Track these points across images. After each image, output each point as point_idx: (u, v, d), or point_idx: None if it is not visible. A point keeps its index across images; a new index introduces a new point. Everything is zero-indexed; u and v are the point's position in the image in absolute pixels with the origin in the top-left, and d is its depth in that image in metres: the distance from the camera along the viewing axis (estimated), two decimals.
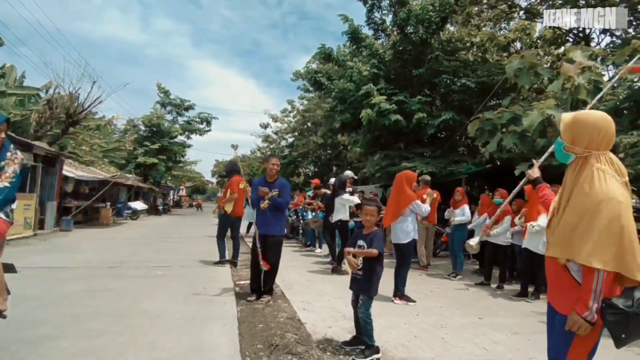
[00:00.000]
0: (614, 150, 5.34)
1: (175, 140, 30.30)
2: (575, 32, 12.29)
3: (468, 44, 13.55)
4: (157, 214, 28.50)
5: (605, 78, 6.28)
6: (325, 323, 4.29)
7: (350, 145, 21.49)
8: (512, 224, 6.42)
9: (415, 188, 5.87)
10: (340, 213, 7.33)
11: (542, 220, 5.33)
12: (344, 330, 4.08)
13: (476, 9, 13.09)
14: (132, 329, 3.85)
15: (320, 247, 10.63)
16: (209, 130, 32.40)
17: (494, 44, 13.60)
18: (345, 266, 7.38)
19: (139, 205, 22.32)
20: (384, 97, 11.61)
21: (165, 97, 30.38)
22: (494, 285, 6.51)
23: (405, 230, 5.25)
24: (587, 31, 11.75)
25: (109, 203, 17.85)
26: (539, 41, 13.43)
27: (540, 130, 6.34)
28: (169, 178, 41.78)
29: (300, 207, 11.98)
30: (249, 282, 6.28)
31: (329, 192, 10.50)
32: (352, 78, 12.70)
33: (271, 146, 39.94)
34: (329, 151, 31.79)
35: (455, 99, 11.57)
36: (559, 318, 1.80)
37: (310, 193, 12.44)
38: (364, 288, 3.46)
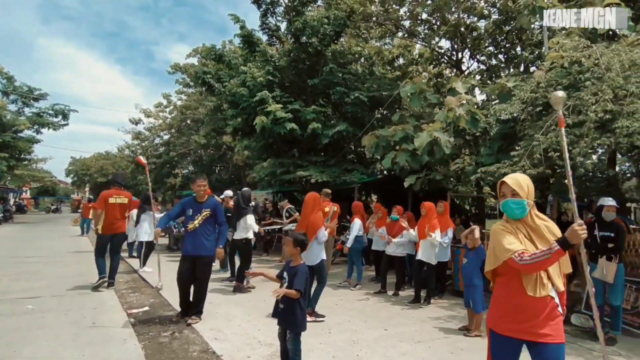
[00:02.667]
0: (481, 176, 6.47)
1: (21, 134, 26.09)
2: (449, 55, 14.32)
3: (357, 55, 14.65)
4: None
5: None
6: (242, 353, 4.34)
7: (239, 148, 21.32)
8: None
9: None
10: (245, 231, 7.34)
11: (438, 234, 6.18)
12: (264, 358, 4.19)
13: (365, 24, 14.27)
14: None
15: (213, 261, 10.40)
16: (66, 124, 28.60)
17: (380, 58, 14.98)
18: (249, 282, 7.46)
19: None
20: (280, 105, 11.87)
21: (8, 84, 25.88)
22: (390, 292, 7.26)
23: (314, 252, 5.52)
24: (459, 55, 13.81)
25: None
26: (419, 59, 15.23)
27: (428, 150, 7.31)
28: (9, 178, 35.81)
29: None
30: (143, 310, 6.00)
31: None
32: (246, 83, 12.68)
33: (143, 144, 37.09)
34: (212, 152, 30.87)
35: (349, 111, 12.43)
36: (553, 349, 2.25)
37: None
38: (291, 324, 3.51)
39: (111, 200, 6.98)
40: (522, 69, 11.62)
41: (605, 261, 4.89)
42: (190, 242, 5.33)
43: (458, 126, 6.95)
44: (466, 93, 7.26)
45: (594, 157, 5.43)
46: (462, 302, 6.73)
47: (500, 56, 13.52)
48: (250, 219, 7.33)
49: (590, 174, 6.76)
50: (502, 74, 12.66)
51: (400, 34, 15.35)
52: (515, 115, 6.09)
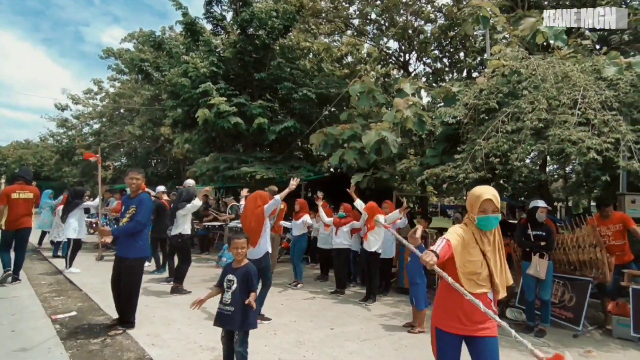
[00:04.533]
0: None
1: None
2: (397, 56, 14.77)
3: (305, 51, 14.68)
4: None
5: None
6: (183, 359, 4.20)
7: (178, 141, 20.56)
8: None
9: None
10: (181, 226, 7.10)
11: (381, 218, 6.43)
12: None
13: (314, 20, 14.34)
14: None
15: (148, 260, 9.95)
16: None
17: (329, 55, 15.12)
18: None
19: None
20: (224, 98, 11.58)
21: None
22: (329, 290, 7.42)
23: (261, 243, 5.44)
24: (407, 57, 14.28)
25: None
26: (367, 57, 15.56)
27: (376, 149, 7.50)
28: None
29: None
30: (69, 315, 5.63)
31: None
32: (188, 73, 12.23)
33: (70, 133, 34.54)
34: (148, 144, 29.46)
35: (297, 107, 12.41)
36: (489, 342, 2.53)
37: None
38: (240, 324, 3.45)
39: (14, 195, 7.08)
40: (464, 74, 12.26)
41: (539, 259, 5.30)
42: (118, 241, 5.09)
43: (405, 127, 7.19)
44: (413, 95, 7.55)
45: (528, 160, 5.81)
46: (406, 299, 7.00)
47: (445, 60, 14.18)
48: (188, 219, 7.12)
49: (524, 176, 7.31)
50: (446, 78, 13.29)
51: (349, 32, 15.59)
52: (459, 118, 6.41)
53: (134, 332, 4.89)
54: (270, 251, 5.65)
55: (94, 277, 7.91)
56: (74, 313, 5.68)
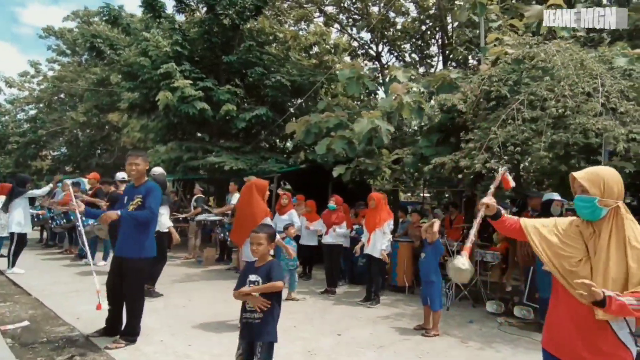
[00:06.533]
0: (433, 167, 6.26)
1: None
2: (367, 47, 14.33)
3: (271, 37, 13.84)
4: None
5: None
6: None
7: (129, 129, 18.84)
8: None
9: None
10: (159, 223, 6.17)
11: (388, 227, 5.83)
12: None
13: (284, 4, 13.53)
14: None
15: (104, 259, 8.78)
16: None
17: (297, 43, 14.36)
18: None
19: None
20: (189, 81, 10.52)
21: None
22: (319, 290, 6.84)
23: None
24: (379, 48, 13.88)
25: None
26: (335, 48, 14.97)
27: (368, 138, 6.95)
28: None
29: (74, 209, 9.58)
30: (21, 325, 4.64)
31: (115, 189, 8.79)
32: (148, 52, 10.98)
33: (3, 119, 31.08)
34: (92, 132, 27.08)
35: (269, 95, 11.56)
36: None
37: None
38: (264, 333, 2.82)
39: None
40: (439, 67, 12.05)
41: None
42: (118, 238, 4.26)
43: (399, 115, 6.70)
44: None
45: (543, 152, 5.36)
46: (404, 298, 6.57)
47: (415, 55, 13.96)
48: (163, 212, 6.20)
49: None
50: (416, 72, 13.02)
51: (320, 19, 14.91)
52: (458, 107, 5.98)
53: (108, 344, 3.99)
54: (272, 253, 4.95)
55: (41, 278, 6.80)
56: (26, 323, 4.71)
